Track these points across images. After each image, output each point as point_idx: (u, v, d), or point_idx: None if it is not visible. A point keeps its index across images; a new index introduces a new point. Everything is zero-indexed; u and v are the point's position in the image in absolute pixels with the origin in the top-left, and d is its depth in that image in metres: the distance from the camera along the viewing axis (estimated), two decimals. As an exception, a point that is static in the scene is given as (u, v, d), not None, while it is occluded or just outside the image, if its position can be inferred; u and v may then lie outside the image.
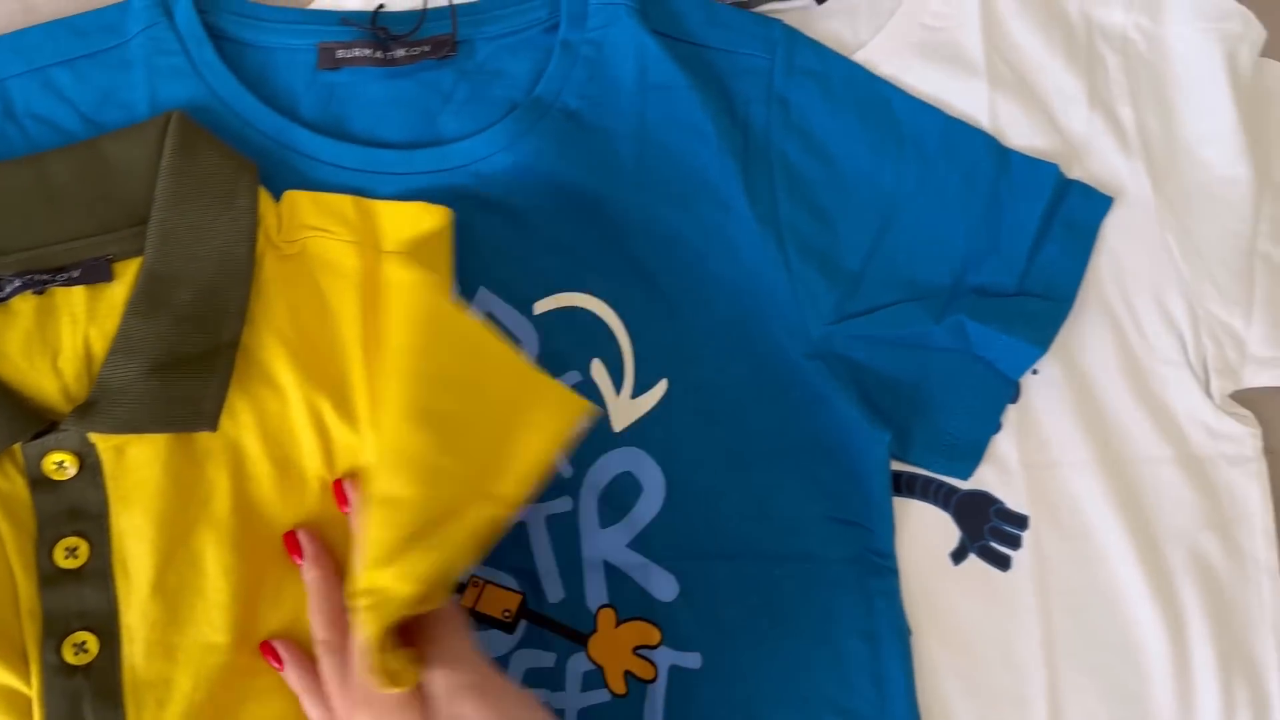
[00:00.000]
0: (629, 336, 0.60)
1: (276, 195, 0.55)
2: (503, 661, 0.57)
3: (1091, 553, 0.61)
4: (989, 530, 0.61)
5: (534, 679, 0.57)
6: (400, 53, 0.60)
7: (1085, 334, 0.62)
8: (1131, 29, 0.65)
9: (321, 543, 0.53)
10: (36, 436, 0.50)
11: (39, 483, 0.51)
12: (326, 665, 0.50)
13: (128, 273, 0.52)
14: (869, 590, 0.59)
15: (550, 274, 0.60)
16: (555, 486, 0.58)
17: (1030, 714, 0.59)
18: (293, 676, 0.52)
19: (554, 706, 0.56)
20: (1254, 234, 0.63)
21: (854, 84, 0.63)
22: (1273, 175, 0.65)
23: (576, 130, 0.60)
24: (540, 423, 0.50)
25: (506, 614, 0.57)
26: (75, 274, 0.52)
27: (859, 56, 0.64)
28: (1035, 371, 0.62)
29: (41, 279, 0.51)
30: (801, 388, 0.60)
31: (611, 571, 0.58)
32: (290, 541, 0.53)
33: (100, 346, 0.52)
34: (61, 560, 0.50)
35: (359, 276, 0.54)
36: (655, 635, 0.58)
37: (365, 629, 0.46)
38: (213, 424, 0.51)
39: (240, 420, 0.52)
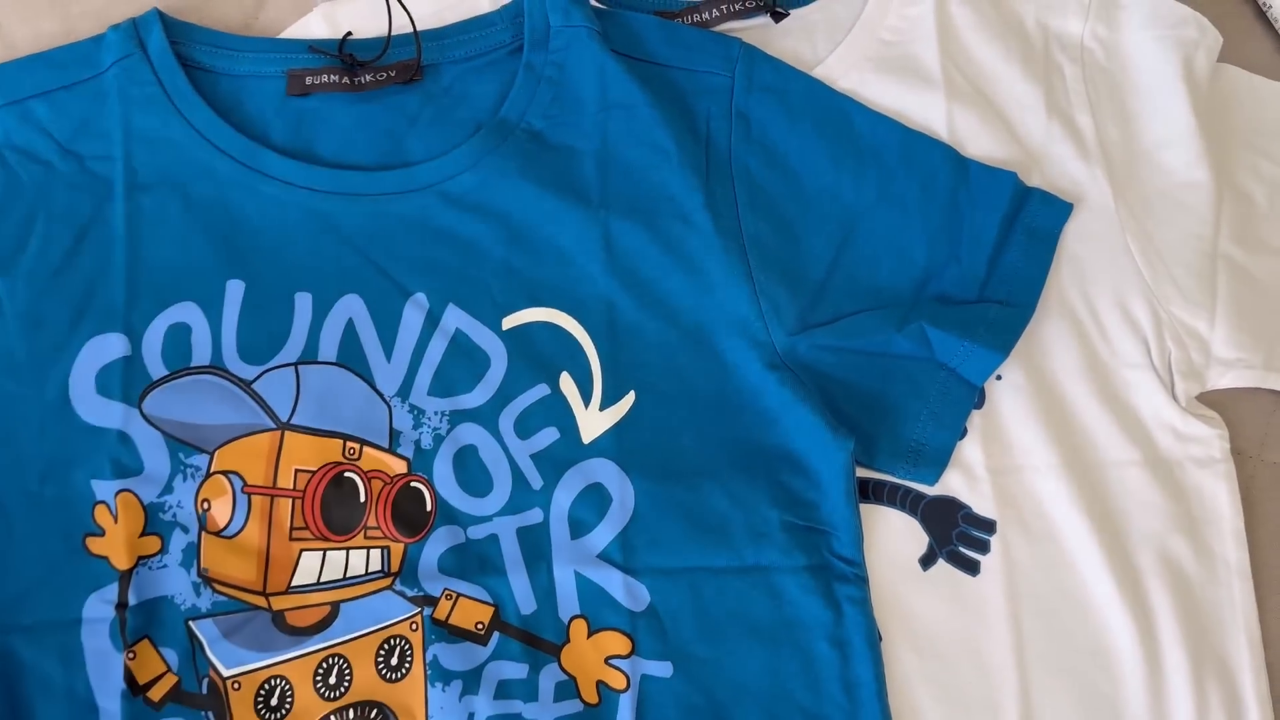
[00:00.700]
0: (596, 350, 0.61)
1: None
2: (475, 674, 0.57)
3: (1060, 557, 0.61)
4: (957, 536, 0.61)
5: (507, 690, 0.57)
6: (367, 78, 0.62)
7: (1049, 339, 0.63)
8: (1089, 37, 0.66)
9: None
10: None
11: None
12: None
13: None
14: (838, 597, 0.59)
15: (517, 291, 0.61)
16: (526, 498, 0.59)
17: (1003, 719, 0.60)
18: None
19: (527, 717, 0.57)
20: (1215, 236, 0.64)
21: (813, 98, 0.64)
22: (1233, 178, 0.65)
23: (540, 149, 0.62)
24: None
25: (479, 626, 0.58)
26: None
27: (818, 72, 0.65)
28: (999, 377, 0.62)
29: None
30: (766, 397, 0.61)
31: (583, 582, 0.59)
32: None
33: None
34: None
35: None
36: (627, 645, 0.58)
37: None
38: None
39: None
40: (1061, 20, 0.66)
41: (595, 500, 0.59)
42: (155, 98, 0.60)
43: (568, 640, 0.58)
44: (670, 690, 0.58)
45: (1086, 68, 0.66)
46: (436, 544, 0.58)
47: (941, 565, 0.61)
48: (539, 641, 0.58)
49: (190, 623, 0.56)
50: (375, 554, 0.58)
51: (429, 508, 0.59)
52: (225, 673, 0.56)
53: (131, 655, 0.55)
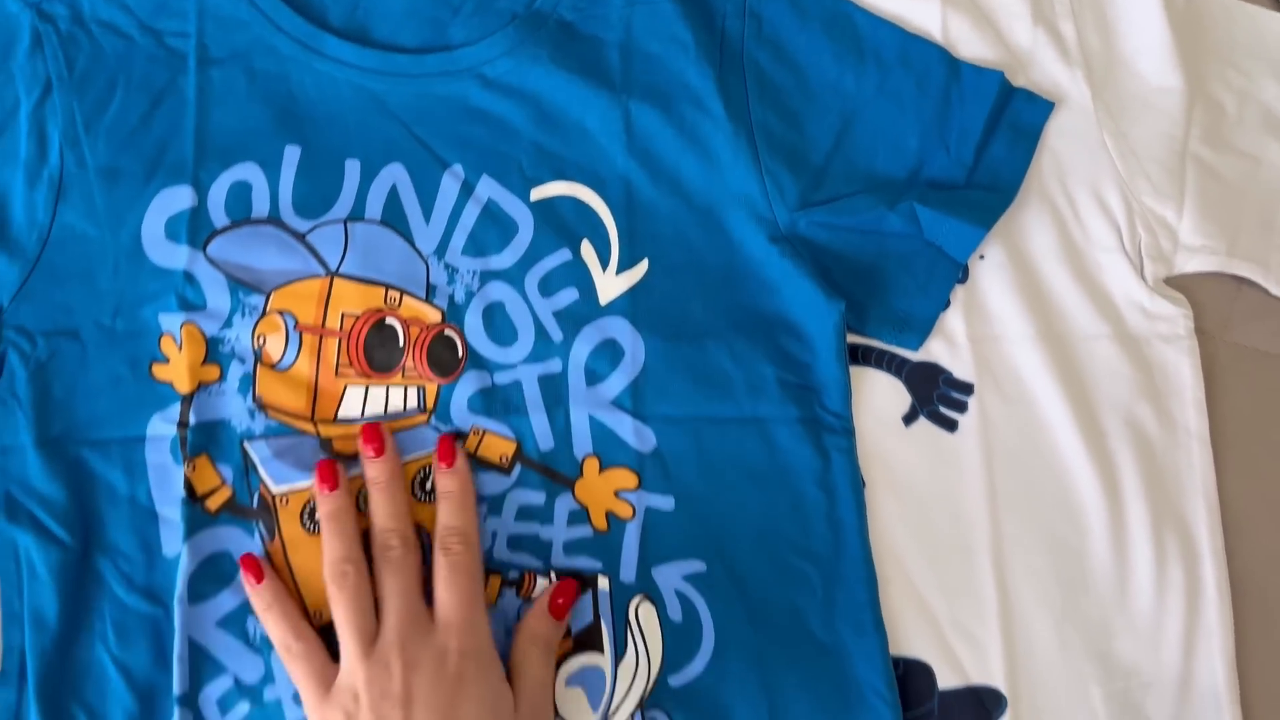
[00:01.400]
0: (614, 222, 0.67)
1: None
2: (499, 499, 0.64)
3: (1033, 418, 0.67)
4: (938, 396, 0.67)
5: (526, 514, 0.64)
6: (416, -29, 0.69)
7: (1029, 224, 0.69)
8: (1073, -48, 0.72)
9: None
10: None
11: None
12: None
13: None
14: (826, 446, 0.65)
15: (545, 166, 0.67)
16: (547, 349, 0.65)
17: (975, 563, 0.65)
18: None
19: (543, 538, 0.63)
20: (1186, 137, 0.69)
21: (820, 1, 0.70)
22: (1204, 86, 0.71)
23: (570, 39, 0.68)
24: None
25: (503, 459, 0.64)
26: None
27: (824, -22, 0.71)
28: (982, 256, 0.68)
29: None
30: (768, 268, 0.66)
31: (596, 425, 0.65)
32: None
33: None
34: None
35: None
36: (634, 480, 0.64)
37: None
38: None
39: None
40: (1049, -63, 0.72)
41: (609, 354, 0.66)
42: (227, -21, 0.67)
43: (581, 475, 0.64)
44: (672, 521, 0.64)
45: (1070, -20, 0.72)
46: (466, 386, 0.65)
47: (923, 423, 0.67)
48: (556, 475, 0.64)
49: (245, 443, 0.63)
50: (412, 392, 0.64)
51: (460, 353, 0.65)
52: (275, 489, 0.62)
53: (191, 468, 0.62)
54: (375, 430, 0.61)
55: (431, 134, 0.67)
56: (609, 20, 0.68)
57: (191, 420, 0.62)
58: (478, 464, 0.64)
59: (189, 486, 0.62)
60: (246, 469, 0.63)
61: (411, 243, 0.66)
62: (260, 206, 0.65)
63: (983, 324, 0.67)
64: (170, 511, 0.62)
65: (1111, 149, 0.69)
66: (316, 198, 0.66)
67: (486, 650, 0.58)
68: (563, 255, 0.66)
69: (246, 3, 0.67)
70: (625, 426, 0.65)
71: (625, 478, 0.64)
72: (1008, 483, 0.66)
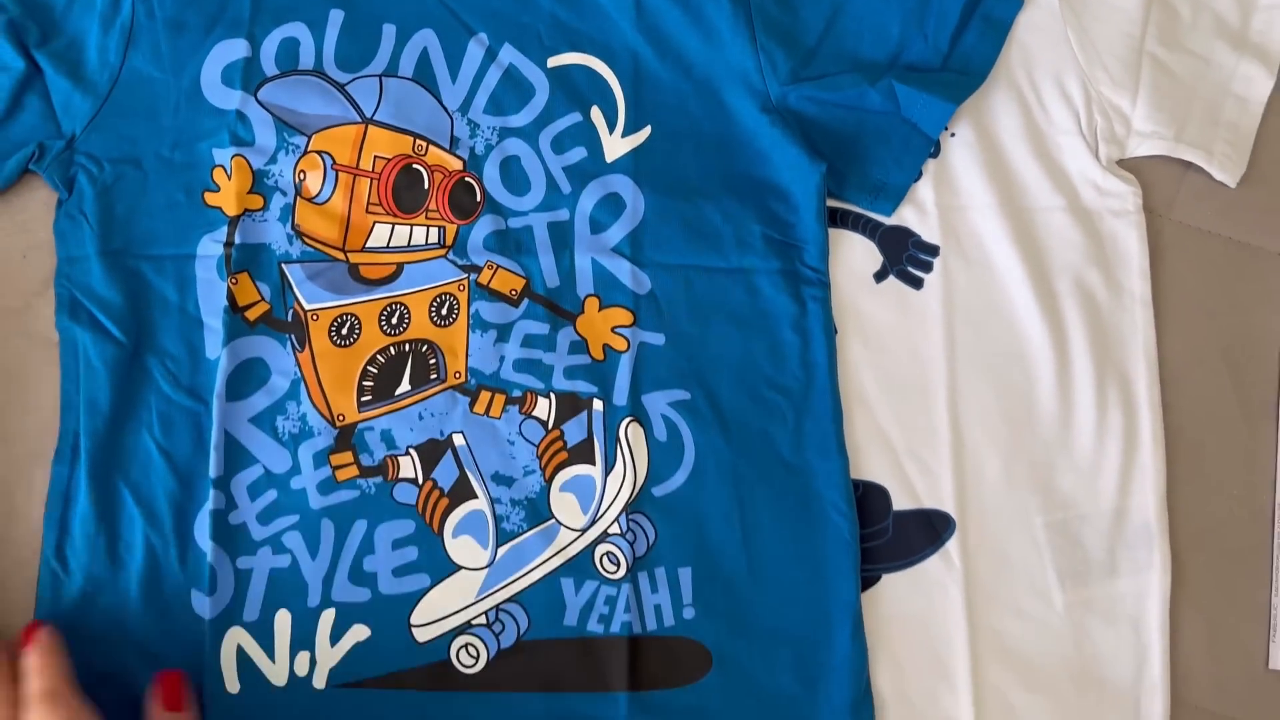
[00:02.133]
0: (622, 91, 0.74)
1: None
2: (507, 328, 0.71)
3: (991, 278, 0.73)
4: (906, 257, 0.74)
5: (531, 342, 0.71)
6: None
7: (996, 107, 0.75)
8: None
9: None
10: None
11: None
12: None
13: None
14: (803, 296, 0.72)
15: (561, 38, 0.74)
16: (556, 200, 0.73)
17: (932, 402, 0.72)
18: None
19: (545, 363, 0.71)
20: (1143, 36, 0.76)
21: (816, -101, 0.77)
22: (1162, -8, 0.78)
23: (585, -72, 0.76)
24: None
25: (513, 292, 0.71)
26: None
27: (821, -118, 0.78)
28: (953, 134, 0.75)
29: None
30: (760, 137, 0.74)
31: (597, 268, 0.72)
32: None
33: None
34: None
35: None
36: (629, 318, 0.72)
37: None
38: None
39: None
40: None
41: (612, 206, 0.73)
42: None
43: (582, 311, 0.72)
44: (662, 355, 0.71)
45: (1044, -107, 0.78)
46: (482, 227, 0.72)
47: (892, 280, 0.74)
48: (559, 310, 0.72)
49: (282, 265, 0.70)
50: (434, 230, 0.72)
51: (478, 198, 0.72)
52: (307, 306, 0.70)
53: (234, 282, 0.69)
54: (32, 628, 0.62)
55: (460, 4, 0.74)
56: (621, -87, 0.76)
57: (237, 241, 0.70)
58: (490, 295, 0.71)
59: (231, 299, 0.69)
60: (283, 287, 0.70)
61: (439, 99, 0.73)
62: (306, 60, 0.73)
63: (950, 194, 0.74)
64: (213, 320, 0.69)
65: (1074, 43, 0.76)
66: (356, 55, 0.73)
67: None
68: (574, 118, 0.74)
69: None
70: (624, 270, 0.72)
71: (622, 315, 0.72)
72: (966, 334, 0.73)
